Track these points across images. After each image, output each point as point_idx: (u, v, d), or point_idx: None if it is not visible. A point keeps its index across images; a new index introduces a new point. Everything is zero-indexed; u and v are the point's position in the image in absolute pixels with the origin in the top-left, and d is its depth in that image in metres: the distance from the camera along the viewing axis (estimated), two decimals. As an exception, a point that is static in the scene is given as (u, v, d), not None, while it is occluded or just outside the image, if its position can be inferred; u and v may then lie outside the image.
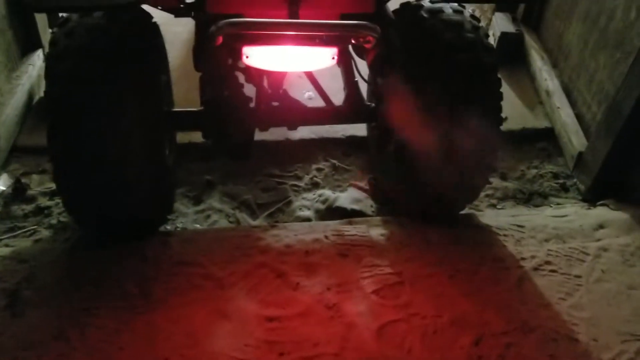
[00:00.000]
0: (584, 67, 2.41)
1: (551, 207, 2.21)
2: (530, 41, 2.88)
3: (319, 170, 2.43)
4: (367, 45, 1.51)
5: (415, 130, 1.79)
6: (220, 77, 1.71)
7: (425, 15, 1.70)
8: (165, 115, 1.88)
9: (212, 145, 2.02)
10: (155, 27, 1.81)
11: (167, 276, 1.72)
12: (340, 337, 1.51)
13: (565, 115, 2.44)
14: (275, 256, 1.80)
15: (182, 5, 1.75)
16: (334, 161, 2.47)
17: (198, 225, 2.15)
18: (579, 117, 2.43)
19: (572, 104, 2.49)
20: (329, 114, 2.07)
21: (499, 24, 2.98)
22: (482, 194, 2.31)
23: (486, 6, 3.29)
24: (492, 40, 3.01)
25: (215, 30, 1.36)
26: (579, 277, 1.76)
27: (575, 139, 2.32)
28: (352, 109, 2.05)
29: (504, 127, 2.62)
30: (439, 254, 1.84)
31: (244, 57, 1.52)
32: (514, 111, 2.73)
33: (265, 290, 1.67)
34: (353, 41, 1.57)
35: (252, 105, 1.88)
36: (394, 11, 1.75)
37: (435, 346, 1.51)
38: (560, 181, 2.40)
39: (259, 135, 2.08)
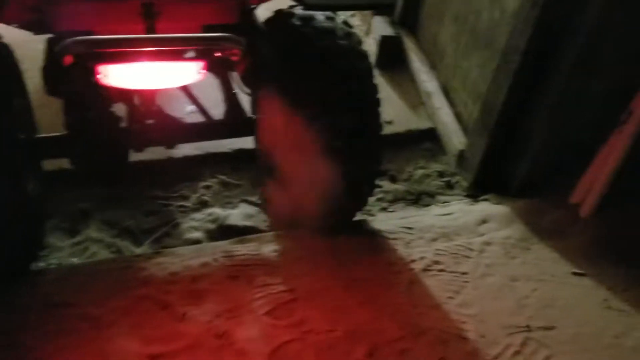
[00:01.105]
0: (459, 66, 2.49)
1: (438, 205, 2.26)
2: (408, 43, 2.95)
3: (206, 187, 2.34)
4: (234, 58, 1.45)
5: (293, 142, 1.76)
6: (81, 98, 1.58)
7: (297, 22, 1.67)
8: (22, 143, 1.71)
9: (81, 172, 1.87)
10: (3, 47, 1.64)
11: (37, 322, 1.55)
12: (231, 368, 1.43)
13: (445, 115, 2.51)
14: (159, 286, 1.69)
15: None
16: (223, 177, 2.38)
17: (75, 260, 1.98)
18: (458, 115, 2.51)
19: (451, 103, 2.58)
20: (208, 130, 1.98)
21: (378, 28, 3.03)
22: (374, 199, 2.33)
23: (365, 11, 3.34)
24: (373, 44, 3.09)
25: (60, 50, 1.23)
26: (465, 273, 1.80)
27: (455, 138, 2.40)
28: (232, 123, 1.98)
29: (390, 130, 2.70)
30: (333, 265, 1.81)
31: (99, 77, 1.40)
32: (399, 113, 2.78)
33: (149, 325, 1.55)
34: (218, 54, 1.50)
35: (123, 125, 1.76)
36: (265, 19, 1.70)
37: (331, 362, 1.48)
38: (446, 179, 2.47)
39: (139, 155, 1.95)
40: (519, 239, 1.95)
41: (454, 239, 1.97)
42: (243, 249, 1.88)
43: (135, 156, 1.89)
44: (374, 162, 1.86)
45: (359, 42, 1.77)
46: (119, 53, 1.30)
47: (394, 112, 2.78)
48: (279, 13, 1.72)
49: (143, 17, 1.37)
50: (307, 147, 1.76)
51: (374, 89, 1.78)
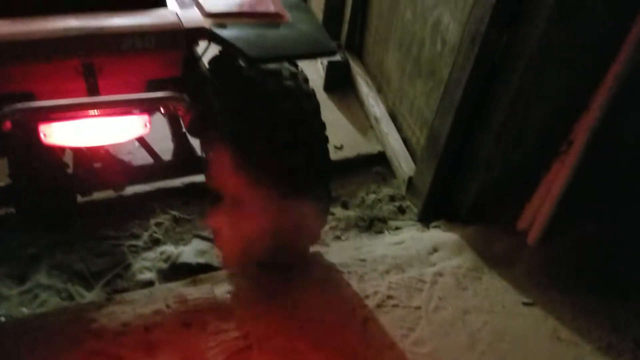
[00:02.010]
0: (405, 93, 2.54)
1: (390, 233, 2.30)
2: (355, 68, 2.98)
3: (158, 225, 2.30)
4: (179, 113, 1.43)
5: (243, 181, 1.76)
6: (24, 153, 1.54)
7: (242, 65, 1.66)
8: None
9: (28, 219, 1.82)
10: None
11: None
12: None
13: (393, 141, 2.55)
14: (111, 339, 1.66)
15: None
16: (174, 212, 2.35)
17: (24, 309, 1.92)
18: (405, 140, 2.55)
19: (399, 128, 2.62)
20: (157, 170, 1.96)
21: (325, 52, 3.04)
22: (327, 227, 2.34)
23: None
24: (321, 68, 3.11)
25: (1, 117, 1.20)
26: (418, 308, 1.83)
27: (404, 164, 2.44)
28: (181, 163, 1.96)
29: (340, 155, 2.73)
30: (287, 306, 1.82)
31: (41, 136, 1.37)
32: (348, 138, 2.81)
33: (102, 384, 1.52)
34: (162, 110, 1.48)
35: (69, 170, 1.72)
36: (210, 63, 1.69)
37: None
38: (397, 204, 2.51)
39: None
40: (470, 269, 2.00)
41: (407, 271, 2.00)
42: (196, 292, 1.87)
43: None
44: (323, 199, 1.88)
45: (305, 80, 1.78)
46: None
47: (344, 137, 2.81)
48: (221, 57, 1.70)
49: (84, 76, 1.35)
50: (256, 186, 1.76)
51: (321, 127, 1.79)
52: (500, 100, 1.87)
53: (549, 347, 1.71)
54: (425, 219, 2.32)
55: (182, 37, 1.39)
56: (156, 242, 2.23)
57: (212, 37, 1.41)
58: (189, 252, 2.18)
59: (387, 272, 1.99)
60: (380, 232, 2.38)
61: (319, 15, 3.18)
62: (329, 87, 3.06)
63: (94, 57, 1.33)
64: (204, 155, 1.96)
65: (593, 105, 1.80)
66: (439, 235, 2.19)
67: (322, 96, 3.08)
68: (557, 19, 1.64)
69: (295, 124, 1.70)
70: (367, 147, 2.76)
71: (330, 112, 2.99)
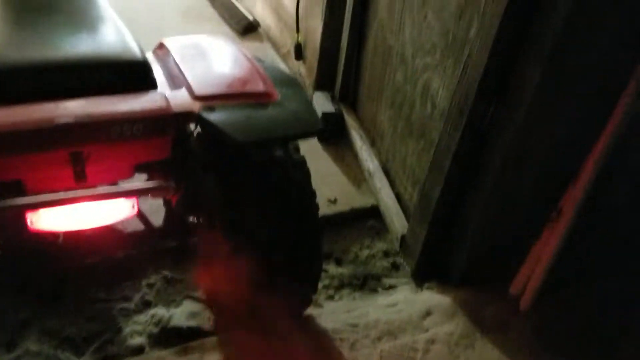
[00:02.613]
0: (397, 149, 2.55)
1: (383, 294, 2.29)
2: (349, 120, 3.01)
3: (150, 285, 2.29)
4: (167, 197, 1.44)
5: (232, 254, 1.77)
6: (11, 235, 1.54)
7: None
8: None
9: (17, 289, 1.82)
10: None
11: None
12: None
13: (386, 197, 2.56)
14: (98, 419, 1.64)
15: None
16: (166, 272, 2.34)
17: (12, 380, 1.90)
18: (398, 196, 2.56)
19: (392, 183, 2.63)
20: (148, 236, 1.97)
21: (319, 104, 3.08)
22: (320, 285, 2.33)
23: (308, 83, 3.40)
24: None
25: None
26: (410, 380, 1.81)
27: (397, 221, 2.44)
28: (172, 228, 1.96)
29: (334, 209, 2.74)
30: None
31: (28, 223, 1.38)
32: (342, 190, 2.81)
33: None
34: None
35: (60, 239, 1.72)
36: (198, 140, 1.70)
37: None
38: (391, 260, 2.50)
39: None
40: (462, 335, 1.99)
41: (399, 337, 1.99)
42: (186, 362, 1.86)
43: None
44: (314, 266, 1.89)
45: (296, 149, 1.78)
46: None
47: (337, 189, 2.82)
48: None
49: (72, 163, 1.36)
50: (246, 254, 1.78)
51: (311, 195, 1.80)
52: (489, 169, 1.88)
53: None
54: (419, 278, 2.31)
55: (171, 122, 1.41)
56: (147, 305, 2.21)
57: (201, 121, 1.42)
58: (180, 314, 2.17)
59: (379, 338, 1.98)
60: (374, 290, 2.37)
61: (314, 65, 3.23)
62: (323, 137, 3.08)
63: (82, 147, 1.34)
64: (194, 220, 1.97)
65: (582, 174, 1.81)
66: (431, 297, 2.18)
67: (316, 147, 3.10)
68: (544, 91, 1.65)
69: (284, 194, 1.71)
70: (361, 200, 2.77)
71: (324, 164, 3.01)
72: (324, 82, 3.19)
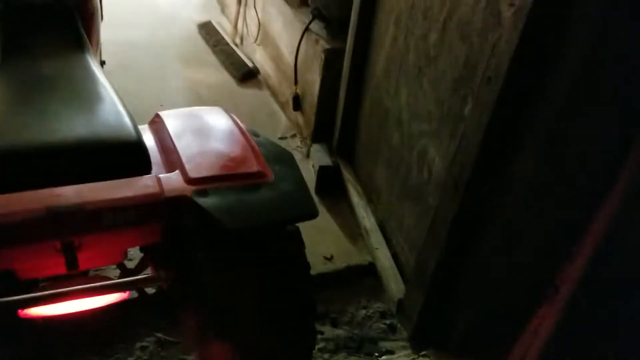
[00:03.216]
0: (394, 210, 2.55)
1: (380, 358, 2.26)
2: (346, 174, 3.02)
3: (143, 348, 2.27)
4: (161, 287, 1.44)
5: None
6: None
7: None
8: None
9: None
10: None
11: None
12: None
13: (383, 257, 2.55)
14: None
15: None
16: (159, 335, 2.32)
17: None
18: (395, 256, 2.55)
19: (388, 241, 2.62)
20: (139, 306, 1.96)
21: (317, 157, 3.10)
22: (316, 348, 2.32)
23: (305, 134, 3.42)
24: (312, 171, 3.14)
25: None
26: None
27: (394, 284, 2.43)
28: (164, 297, 1.95)
29: (330, 268, 2.72)
30: None
31: (20, 313, 1.37)
32: (339, 247, 2.80)
33: None
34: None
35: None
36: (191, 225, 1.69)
37: None
38: (388, 321, 2.48)
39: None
40: (457, 409, 1.96)
41: (394, 411, 1.96)
42: None
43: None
44: (308, 339, 1.87)
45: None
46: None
47: (334, 247, 2.81)
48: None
49: (63, 252, 1.36)
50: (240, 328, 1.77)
51: (304, 269, 1.78)
52: (485, 243, 1.88)
53: None
54: (416, 344, 2.29)
55: (163, 208, 1.40)
56: (140, 370, 2.20)
57: (193, 206, 1.42)
58: (174, 380, 2.15)
59: (374, 413, 1.95)
60: (370, 354, 2.35)
61: (312, 117, 3.25)
62: (320, 190, 3.09)
63: (74, 236, 1.34)
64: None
65: (579, 253, 1.81)
66: (427, 366, 2.16)
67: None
68: (539, 176, 1.66)
69: (277, 268, 1.70)
70: (358, 257, 2.75)
71: (321, 218, 3.00)
72: (321, 134, 3.21)
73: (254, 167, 1.55)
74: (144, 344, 2.28)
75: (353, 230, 2.90)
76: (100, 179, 1.40)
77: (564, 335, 1.96)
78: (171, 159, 1.56)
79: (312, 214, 1.53)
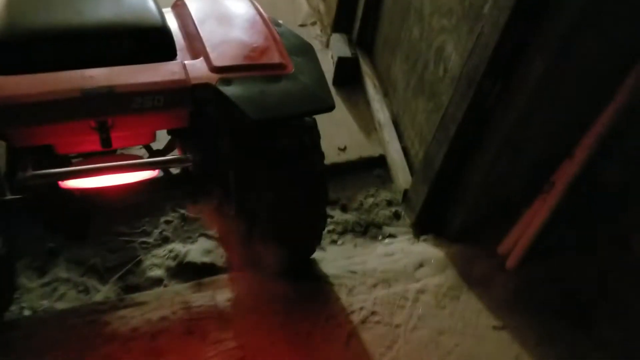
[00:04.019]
0: (408, 104, 2.63)
1: (382, 244, 2.45)
2: (364, 66, 3.05)
3: (167, 222, 2.48)
4: (188, 168, 1.57)
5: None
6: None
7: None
8: None
9: (46, 224, 1.99)
10: None
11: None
12: None
13: (393, 151, 2.66)
14: (121, 344, 1.87)
15: None
16: (183, 211, 2.52)
17: (45, 302, 2.13)
18: (405, 150, 2.66)
19: (400, 136, 2.72)
20: (167, 183, 2.11)
21: (336, 47, 3.11)
22: (325, 231, 2.51)
23: (326, 22, 3.40)
24: (331, 62, 3.17)
25: (18, 182, 1.35)
26: (398, 326, 2.02)
27: (401, 176, 2.56)
28: (189, 175, 2.11)
29: (343, 158, 2.85)
30: (281, 317, 2.00)
31: (60, 184, 1.53)
32: (353, 139, 2.91)
33: (113, 389, 1.75)
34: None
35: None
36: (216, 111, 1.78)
37: None
38: (393, 209, 2.65)
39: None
40: (450, 287, 2.17)
41: (393, 285, 2.18)
42: (199, 299, 2.06)
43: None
44: (320, 221, 2.03)
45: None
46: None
47: (348, 138, 2.92)
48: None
49: (98, 131, 1.48)
50: (258, 210, 1.93)
51: (319, 159, 1.90)
52: (491, 142, 1.97)
53: (510, 373, 1.90)
54: (417, 230, 2.47)
55: (189, 95, 1.50)
56: (165, 240, 2.41)
57: (217, 94, 1.51)
58: (196, 251, 2.36)
59: (375, 286, 2.17)
60: (375, 237, 2.55)
61: (333, 5, 3.22)
62: (338, 82, 3.13)
63: (106, 117, 1.46)
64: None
65: (577, 152, 1.90)
66: (426, 250, 2.34)
67: (331, 91, 3.15)
68: (547, 81, 1.72)
69: (293, 156, 1.82)
70: (370, 149, 2.87)
71: (337, 110, 3.03)
72: (342, 24, 3.20)
73: (275, 58, 1.61)
74: (169, 218, 2.49)
75: (367, 123, 2.99)
76: (128, 63, 1.49)
77: (553, 232, 2.11)
78: (195, 45, 1.62)
79: (330, 107, 1.62)
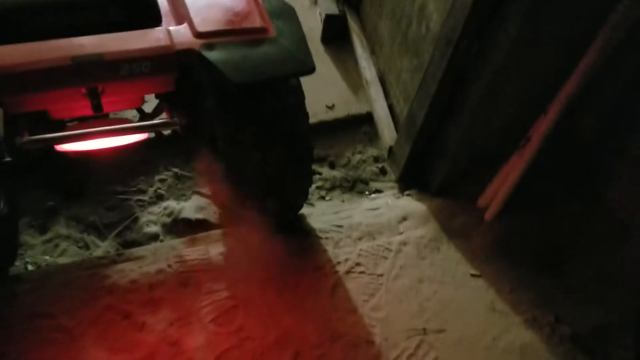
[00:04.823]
0: (393, 62, 2.68)
1: (368, 198, 2.56)
2: (352, 23, 3.08)
3: (162, 181, 2.57)
4: (176, 131, 1.66)
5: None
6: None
7: None
8: None
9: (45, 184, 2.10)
10: None
11: (21, 333, 1.87)
12: (182, 375, 1.79)
13: (379, 108, 2.74)
14: (121, 295, 2.00)
15: None
16: (176, 170, 2.61)
17: (47, 257, 2.26)
18: (391, 107, 2.74)
19: (386, 93, 2.79)
20: (158, 142, 2.20)
21: (324, 5, 3.14)
22: (314, 186, 2.62)
23: (314, -21, 3.40)
24: (318, 19, 3.20)
25: (20, 145, 1.44)
26: (381, 275, 2.14)
27: (387, 133, 2.65)
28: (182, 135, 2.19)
29: (331, 115, 2.92)
30: (271, 269, 2.13)
31: (55, 147, 1.62)
32: (340, 97, 2.97)
33: (113, 335, 1.88)
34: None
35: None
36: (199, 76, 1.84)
37: (262, 365, 1.85)
38: (380, 165, 2.75)
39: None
40: (431, 239, 2.29)
41: (377, 238, 2.29)
42: (193, 252, 2.18)
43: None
44: (305, 180, 2.13)
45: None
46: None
47: (336, 95, 2.98)
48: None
49: (89, 97, 1.56)
50: (246, 170, 2.03)
51: (303, 118, 1.97)
52: (469, 99, 2.05)
53: (484, 317, 2.03)
54: (402, 185, 2.57)
55: (174, 61, 1.57)
56: (160, 198, 2.52)
57: (201, 59, 1.58)
58: (189, 208, 2.47)
59: (360, 239, 2.29)
60: (362, 193, 2.65)
61: (321, -37, 3.22)
62: (326, 39, 3.17)
63: (97, 83, 1.53)
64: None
65: (551, 110, 1.98)
66: (409, 204, 2.45)
67: (319, 49, 3.20)
68: (522, 38, 1.78)
69: (279, 117, 1.90)
70: (357, 107, 2.94)
71: (325, 67, 3.13)
72: (330, -20, 3.20)
73: (257, 22, 1.67)
74: (162, 176, 2.58)
75: (355, 81, 3.04)
76: (115, 30, 1.55)
77: (529, 185, 2.21)
78: (179, 10, 1.68)
79: (310, 70, 1.68)
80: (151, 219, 2.44)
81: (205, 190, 2.55)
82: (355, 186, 2.68)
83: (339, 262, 2.18)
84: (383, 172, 2.73)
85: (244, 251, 2.21)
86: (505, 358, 1.92)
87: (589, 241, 2.23)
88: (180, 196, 2.53)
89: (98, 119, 1.70)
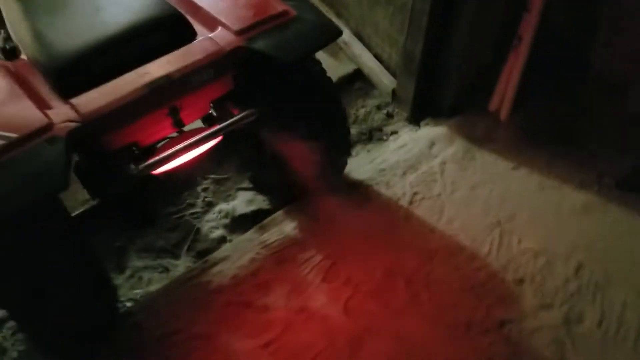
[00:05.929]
0: (366, 17, 2.91)
1: (390, 139, 2.80)
2: (309, -3, 3.27)
3: (204, 190, 2.72)
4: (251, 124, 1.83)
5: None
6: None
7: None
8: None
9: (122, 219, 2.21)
10: None
11: (160, 353, 2.00)
12: (324, 330, 1.99)
13: (368, 60, 2.97)
14: (231, 290, 2.16)
15: None
16: (213, 175, 2.76)
17: (138, 290, 2.37)
18: (377, 57, 2.97)
19: (367, 46, 3.02)
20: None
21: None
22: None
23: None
24: None
25: (136, 173, 1.59)
26: (439, 195, 2.40)
27: (385, 79, 2.89)
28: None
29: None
30: (343, 226, 2.33)
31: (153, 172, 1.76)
32: (323, 64, 3.17)
33: (245, 325, 2.04)
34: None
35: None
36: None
37: (384, 300, 2.07)
38: (384, 111, 2.99)
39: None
40: (464, 152, 2.56)
41: (419, 167, 2.54)
42: (270, 236, 2.36)
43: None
44: (347, 141, 2.34)
45: (319, 63, 2.11)
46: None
47: (320, 65, 3.18)
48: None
49: (170, 115, 1.71)
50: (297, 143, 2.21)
51: (336, 93, 2.18)
52: (461, 21, 2.31)
53: (538, 196, 2.34)
54: (415, 120, 2.82)
55: (231, 61, 1.73)
56: (210, 205, 2.66)
57: (250, 52, 1.74)
58: (240, 204, 2.63)
59: (405, 173, 2.53)
60: (380, 139, 2.89)
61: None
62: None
63: (174, 101, 1.69)
64: None
65: (533, 4, 2.28)
66: (431, 131, 2.71)
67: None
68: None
69: (320, 90, 2.08)
70: (343, 68, 3.15)
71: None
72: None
73: (278, 7, 1.84)
74: (204, 186, 2.73)
75: (330, 46, 3.24)
76: (164, 53, 1.69)
77: (530, 78, 2.52)
78: (207, 21, 1.83)
79: (340, 32, 1.88)
80: (212, 225, 2.58)
81: (246, 184, 2.71)
82: (372, 136, 2.91)
83: (398, 198, 2.42)
84: (390, 115, 2.97)
85: (313, 219, 2.40)
86: (574, 218, 2.23)
87: (594, 107, 2.57)
88: (227, 197, 2.69)
89: (181, 134, 1.84)
